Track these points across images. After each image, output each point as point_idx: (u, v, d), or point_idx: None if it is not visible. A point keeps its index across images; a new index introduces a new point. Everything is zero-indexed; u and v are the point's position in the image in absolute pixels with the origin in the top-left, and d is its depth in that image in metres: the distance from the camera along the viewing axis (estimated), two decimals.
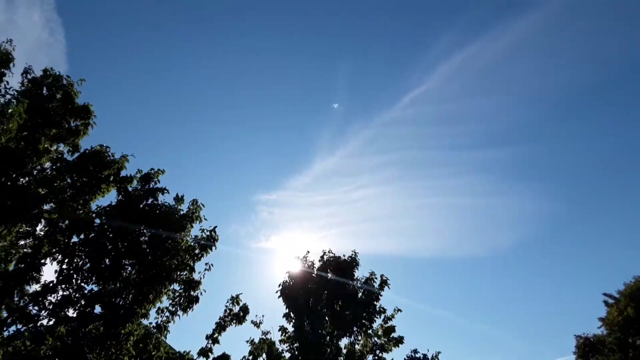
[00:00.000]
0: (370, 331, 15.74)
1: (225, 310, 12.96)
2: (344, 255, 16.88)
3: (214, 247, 12.56)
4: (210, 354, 12.15)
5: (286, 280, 16.20)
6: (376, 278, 16.38)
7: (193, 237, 12.47)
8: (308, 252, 16.87)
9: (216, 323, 12.73)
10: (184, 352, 12.33)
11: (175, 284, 12.44)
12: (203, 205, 12.61)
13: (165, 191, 12.81)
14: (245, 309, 12.99)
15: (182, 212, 12.53)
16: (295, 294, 15.95)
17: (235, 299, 13.00)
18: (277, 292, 16.19)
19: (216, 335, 12.45)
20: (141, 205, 12.30)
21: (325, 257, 16.83)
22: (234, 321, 12.71)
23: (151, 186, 12.97)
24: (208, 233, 12.60)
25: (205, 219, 12.68)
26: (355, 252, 16.83)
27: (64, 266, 11.73)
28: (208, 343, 12.29)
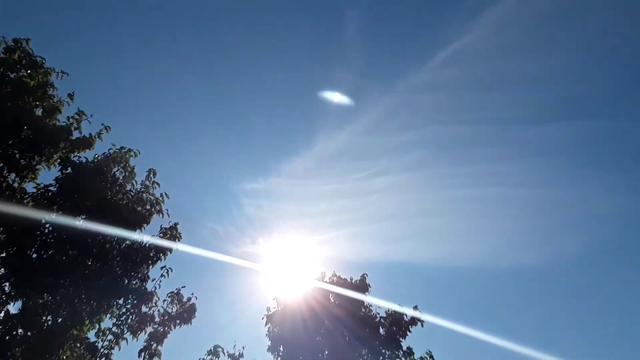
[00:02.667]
0: None
1: (163, 314, 10.04)
2: (351, 279, 14.04)
3: (173, 248, 9.76)
4: None
5: (274, 307, 13.22)
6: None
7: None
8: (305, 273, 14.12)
9: (149, 334, 9.84)
10: None
11: (121, 298, 9.57)
12: (167, 195, 9.85)
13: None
14: (191, 309, 10.05)
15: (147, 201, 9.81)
16: (287, 324, 12.98)
17: (175, 295, 10.06)
18: (263, 317, 13.22)
19: (154, 345, 9.48)
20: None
21: (328, 279, 13.90)
22: (175, 324, 9.76)
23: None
24: (168, 231, 9.81)
25: (168, 214, 9.91)
26: (365, 276, 14.03)
27: None
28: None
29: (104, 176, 9.92)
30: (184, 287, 9.90)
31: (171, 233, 9.83)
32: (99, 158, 10.28)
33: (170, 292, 9.87)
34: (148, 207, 9.73)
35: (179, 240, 9.76)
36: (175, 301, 9.83)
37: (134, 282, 9.58)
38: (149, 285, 9.65)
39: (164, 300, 9.81)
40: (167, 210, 9.93)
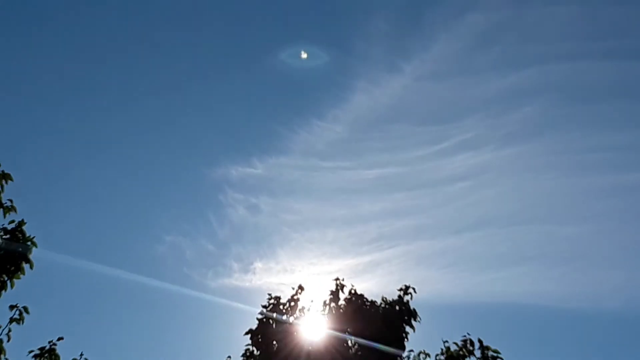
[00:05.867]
0: None
1: None
2: (385, 302, 9.06)
3: (24, 266, 5.57)
4: None
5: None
6: None
7: None
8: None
9: None
10: None
11: None
12: None
13: None
14: None
15: None
16: None
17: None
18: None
19: None
20: None
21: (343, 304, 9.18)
22: None
23: None
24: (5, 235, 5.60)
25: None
26: (407, 288, 9.03)
27: None
28: None
29: None
30: None
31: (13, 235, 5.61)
32: None
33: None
34: None
35: (29, 253, 5.60)
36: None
37: None
38: None
39: None
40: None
